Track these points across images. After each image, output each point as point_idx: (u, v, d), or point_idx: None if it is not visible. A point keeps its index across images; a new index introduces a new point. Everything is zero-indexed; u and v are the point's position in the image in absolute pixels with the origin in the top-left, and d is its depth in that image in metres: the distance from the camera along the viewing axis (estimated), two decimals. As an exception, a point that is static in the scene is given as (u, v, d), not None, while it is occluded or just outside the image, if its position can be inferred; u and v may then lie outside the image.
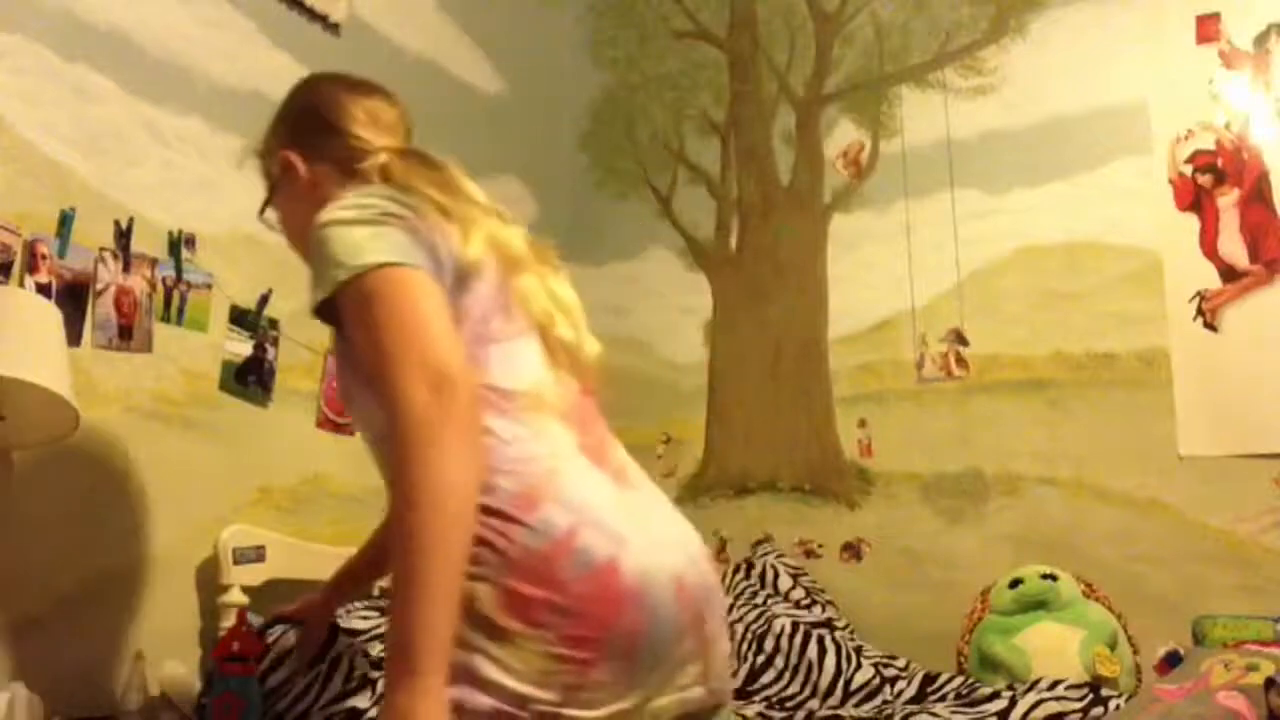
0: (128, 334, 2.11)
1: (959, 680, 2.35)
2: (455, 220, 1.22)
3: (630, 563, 1.10)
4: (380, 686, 1.13)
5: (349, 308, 1.13)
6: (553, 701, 1.05)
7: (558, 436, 1.18)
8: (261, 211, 1.47)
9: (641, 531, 1.15)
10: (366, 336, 1.11)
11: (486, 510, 1.08)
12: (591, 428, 1.26)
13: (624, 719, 1.09)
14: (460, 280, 1.19)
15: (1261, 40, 2.67)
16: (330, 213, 1.18)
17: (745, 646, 2.53)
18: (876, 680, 2.42)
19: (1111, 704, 2.01)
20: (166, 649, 2.01)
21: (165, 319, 2.19)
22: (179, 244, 2.22)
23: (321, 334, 2.50)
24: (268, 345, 2.38)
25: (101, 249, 2.08)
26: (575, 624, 1.06)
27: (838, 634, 2.56)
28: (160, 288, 2.18)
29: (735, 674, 2.48)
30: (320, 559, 2.31)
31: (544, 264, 1.34)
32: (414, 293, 1.12)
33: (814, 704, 2.36)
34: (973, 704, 2.14)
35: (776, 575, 2.85)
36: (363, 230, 1.15)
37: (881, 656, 2.56)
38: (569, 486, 1.13)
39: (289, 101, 1.49)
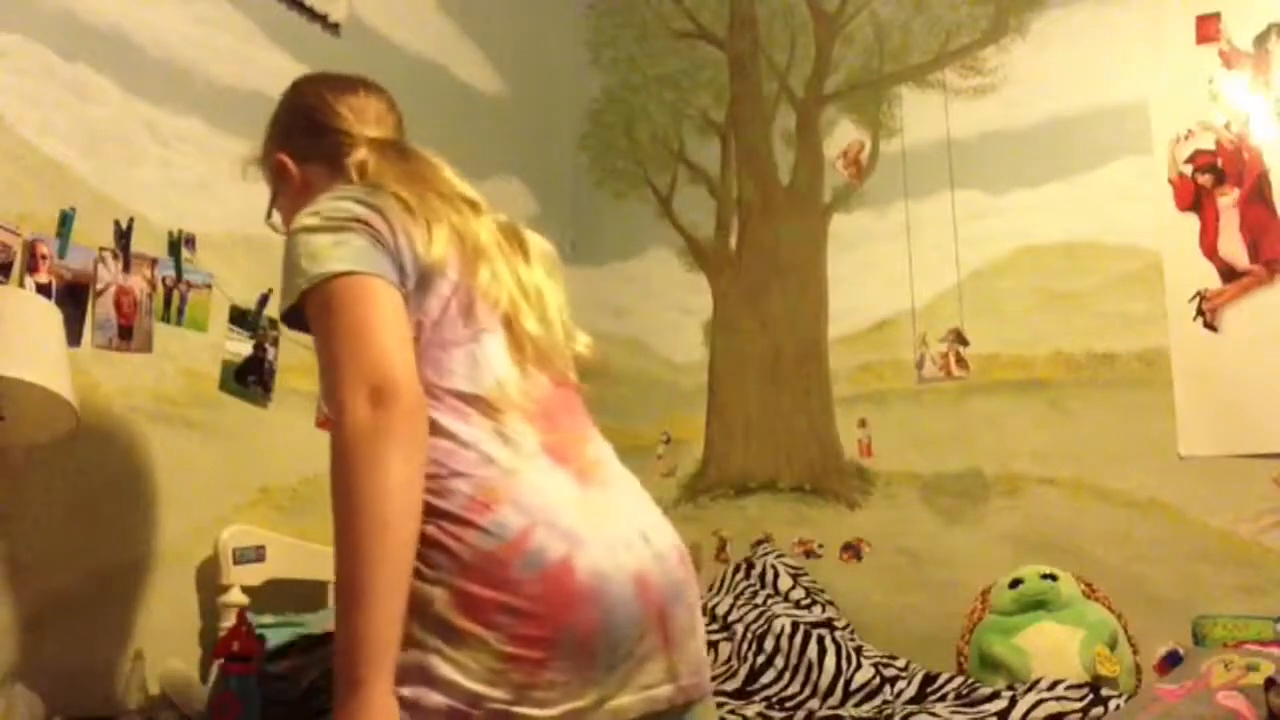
0: (128, 334, 2.11)
1: (959, 680, 2.35)
2: (419, 217, 1.22)
3: (584, 562, 1.11)
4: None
5: (310, 316, 1.16)
6: (505, 700, 1.06)
7: (518, 437, 1.18)
8: (268, 216, 1.49)
9: (601, 530, 1.15)
10: (320, 345, 1.14)
11: (443, 514, 1.10)
12: (560, 423, 1.25)
13: (579, 717, 1.09)
14: (423, 280, 1.20)
15: (1261, 40, 2.67)
16: (299, 219, 1.21)
17: (745, 646, 2.54)
18: (876, 680, 2.42)
19: (1111, 704, 2.01)
20: (166, 649, 2.01)
21: (165, 319, 2.19)
22: (179, 244, 2.22)
23: (321, 334, 2.51)
24: (268, 345, 2.38)
25: (101, 249, 2.08)
26: (526, 623, 1.07)
27: (838, 634, 2.56)
28: (160, 288, 2.18)
29: (734, 673, 2.48)
30: (320, 559, 2.31)
31: (515, 253, 1.33)
32: (367, 302, 1.13)
33: (814, 704, 2.36)
34: (973, 704, 2.14)
35: (776, 575, 2.85)
36: (325, 238, 1.16)
37: (881, 656, 2.56)
38: (525, 487, 1.14)
39: (279, 106, 1.52)
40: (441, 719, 1.05)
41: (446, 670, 1.06)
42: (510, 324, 1.26)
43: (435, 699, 1.05)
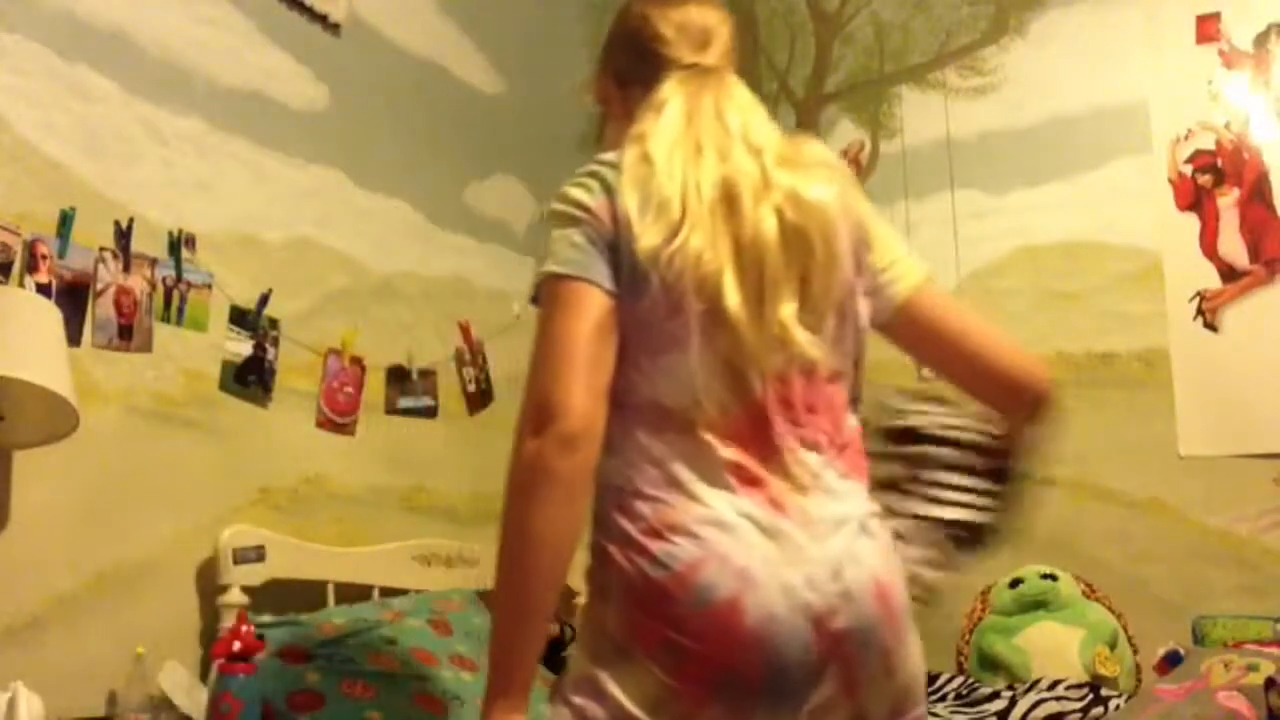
0: (128, 334, 2.11)
1: (959, 680, 2.35)
2: (652, 197, 1.16)
3: (754, 602, 1.06)
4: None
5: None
6: None
7: (708, 457, 1.13)
8: (596, 143, 1.41)
9: (780, 568, 1.08)
10: (535, 340, 1.15)
11: (621, 535, 1.11)
12: (761, 438, 1.15)
13: None
14: (637, 270, 1.14)
15: (1261, 40, 2.67)
16: (558, 193, 1.21)
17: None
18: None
19: (1111, 704, 2.01)
20: (166, 649, 2.01)
21: (165, 319, 2.19)
22: (179, 244, 2.22)
23: (322, 334, 2.50)
24: (268, 345, 2.38)
25: (101, 249, 2.08)
26: (688, 661, 1.06)
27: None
28: (160, 288, 2.18)
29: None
30: (320, 559, 2.31)
31: (763, 200, 1.19)
32: (568, 314, 1.13)
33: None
34: (973, 704, 2.14)
35: None
36: (556, 232, 1.18)
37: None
38: (704, 517, 1.10)
39: (611, 28, 1.43)
40: None
41: (613, 688, 1.07)
42: (714, 310, 1.15)
43: (598, 713, 1.08)
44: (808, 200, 1.21)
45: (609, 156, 1.22)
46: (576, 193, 1.19)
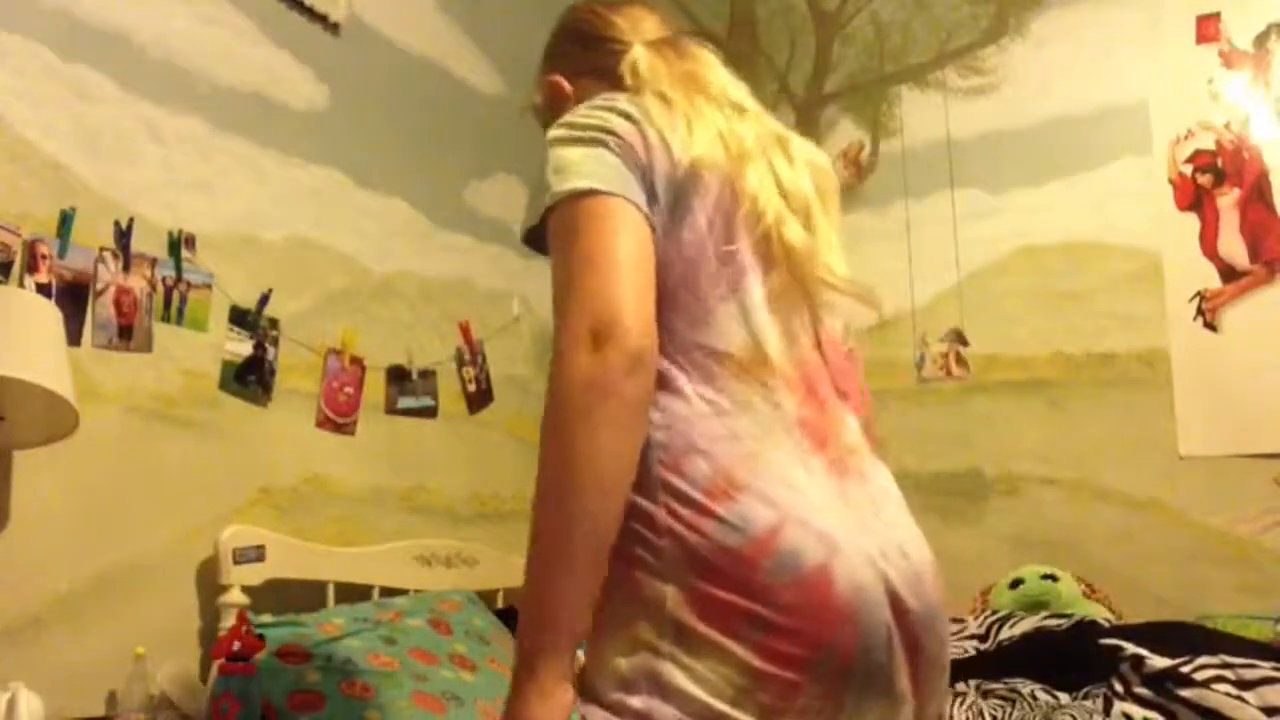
0: (128, 334, 2.11)
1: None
2: (679, 115, 1.07)
3: (844, 570, 0.94)
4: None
5: (550, 237, 1.01)
6: None
7: (773, 410, 1.00)
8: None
9: (857, 535, 0.97)
10: (555, 271, 0.99)
11: (677, 495, 0.95)
12: (821, 394, 1.05)
13: None
14: (679, 200, 1.03)
15: (1261, 40, 2.67)
16: (554, 128, 1.07)
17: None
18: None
19: (1112, 704, 2.01)
20: (166, 649, 2.01)
21: (165, 319, 2.18)
22: (179, 244, 2.22)
23: (321, 334, 2.50)
24: (268, 345, 2.38)
25: (101, 249, 2.08)
26: (779, 638, 0.91)
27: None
28: (160, 287, 2.18)
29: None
30: (320, 559, 2.31)
31: (781, 157, 1.13)
32: (607, 230, 0.97)
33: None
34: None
35: None
36: (574, 151, 1.02)
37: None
38: (775, 474, 0.96)
39: (551, 35, 1.37)
40: None
41: (682, 680, 0.91)
42: (771, 243, 1.06)
43: (668, 712, 0.92)
44: (820, 165, 1.18)
45: (615, 95, 1.10)
46: (591, 119, 1.05)
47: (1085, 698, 1.98)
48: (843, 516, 0.98)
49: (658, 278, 1.00)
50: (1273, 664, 1.87)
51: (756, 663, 0.91)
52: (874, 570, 0.96)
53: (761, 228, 1.05)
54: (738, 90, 1.19)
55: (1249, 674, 1.84)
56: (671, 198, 1.03)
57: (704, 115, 1.09)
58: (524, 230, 1.07)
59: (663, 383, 0.99)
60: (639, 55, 1.18)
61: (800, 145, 1.18)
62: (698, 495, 0.95)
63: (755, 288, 1.04)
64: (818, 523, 0.95)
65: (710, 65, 1.20)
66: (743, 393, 1.00)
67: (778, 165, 1.11)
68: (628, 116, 1.05)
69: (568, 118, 1.07)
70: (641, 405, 0.94)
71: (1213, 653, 1.95)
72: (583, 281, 0.95)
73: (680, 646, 0.92)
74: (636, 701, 0.92)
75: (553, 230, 1.00)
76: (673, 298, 1.01)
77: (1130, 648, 1.92)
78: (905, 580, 0.99)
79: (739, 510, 0.94)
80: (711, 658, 0.92)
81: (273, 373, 2.39)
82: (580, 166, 1.01)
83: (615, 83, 1.17)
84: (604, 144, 1.02)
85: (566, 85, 1.28)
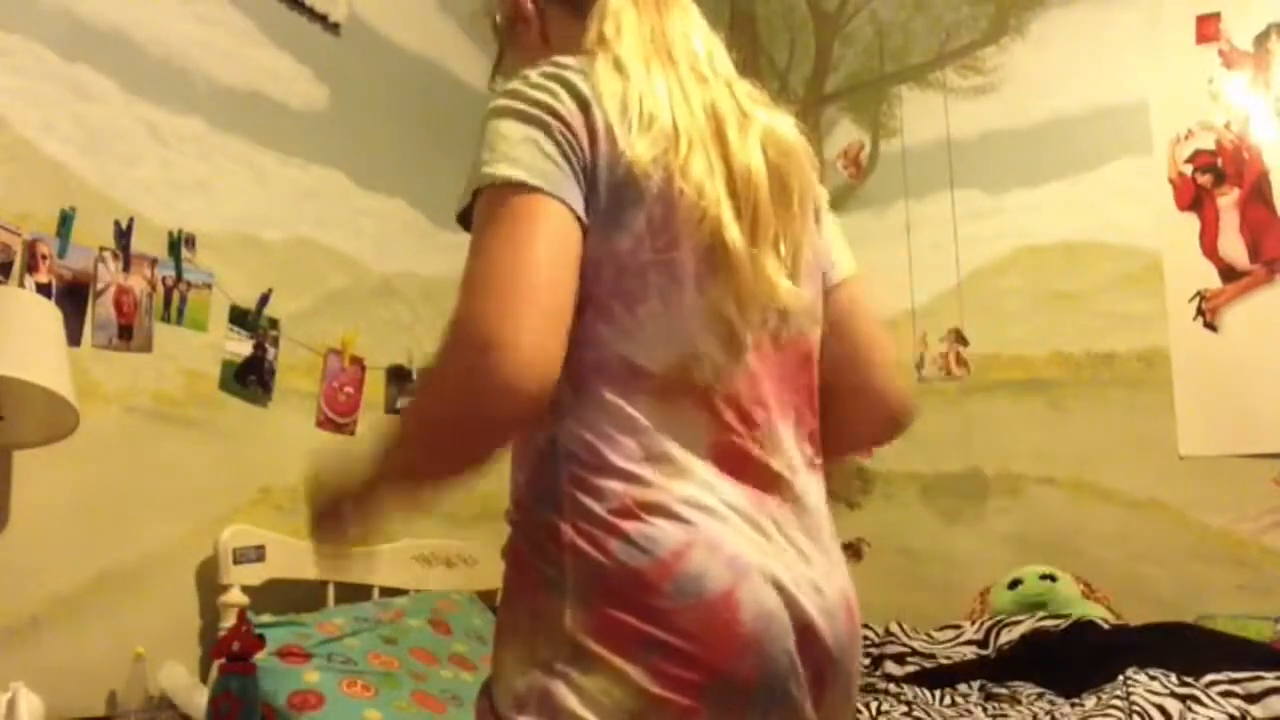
0: (128, 334, 2.11)
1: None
2: (632, 103, 0.97)
3: (749, 596, 0.90)
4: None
5: (474, 216, 0.94)
6: None
7: (692, 432, 0.95)
8: (492, 79, 1.20)
9: (771, 563, 0.94)
10: (468, 258, 0.92)
11: (584, 514, 0.92)
12: (753, 414, 0.99)
13: None
14: (616, 198, 0.95)
15: (1261, 40, 2.67)
16: (498, 96, 0.97)
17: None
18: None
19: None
20: (166, 649, 2.01)
21: (165, 319, 2.19)
22: (179, 244, 2.22)
23: (322, 334, 2.50)
24: (268, 345, 2.38)
25: (101, 249, 2.08)
26: (675, 663, 0.88)
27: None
28: (160, 287, 2.18)
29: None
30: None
31: (738, 131, 1.03)
32: (530, 233, 0.89)
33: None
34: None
35: None
36: (516, 127, 0.93)
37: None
38: (688, 496, 0.93)
39: None
40: None
41: (573, 702, 0.88)
42: (713, 247, 0.97)
43: None
44: (787, 141, 1.07)
45: (568, 60, 0.99)
46: (540, 94, 0.95)
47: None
48: (755, 543, 0.94)
49: (588, 283, 0.93)
50: (1276, 674, 1.87)
51: (652, 688, 0.87)
52: (783, 599, 0.93)
53: (703, 228, 0.96)
54: (706, 50, 1.08)
55: (1255, 686, 1.85)
56: (611, 197, 0.94)
57: (655, 94, 0.99)
58: (459, 211, 0.97)
59: (582, 395, 0.94)
60: (616, 4, 1.06)
61: (766, 123, 1.06)
62: (605, 513, 0.91)
63: (690, 297, 0.96)
64: (729, 548, 0.91)
65: (682, 17, 1.09)
66: (664, 412, 0.95)
67: (732, 148, 1.01)
68: (578, 97, 0.95)
69: (516, 84, 0.97)
70: (499, 428, 0.90)
71: (1213, 654, 1.95)
72: (486, 288, 0.88)
73: (575, 666, 0.89)
74: (524, 719, 0.90)
75: (477, 213, 0.93)
76: (602, 306, 0.95)
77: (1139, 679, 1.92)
78: (819, 611, 0.96)
79: (646, 531, 0.90)
80: (605, 679, 0.88)
81: (273, 373, 2.39)
82: (514, 149, 0.92)
83: (582, 19, 1.06)
84: (547, 127, 0.93)
85: (529, 5, 1.13)
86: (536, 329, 0.87)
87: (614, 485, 0.92)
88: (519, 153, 0.92)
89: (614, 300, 0.95)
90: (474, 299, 0.88)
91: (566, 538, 0.92)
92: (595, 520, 0.91)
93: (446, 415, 0.90)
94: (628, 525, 0.90)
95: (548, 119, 0.93)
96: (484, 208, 0.92)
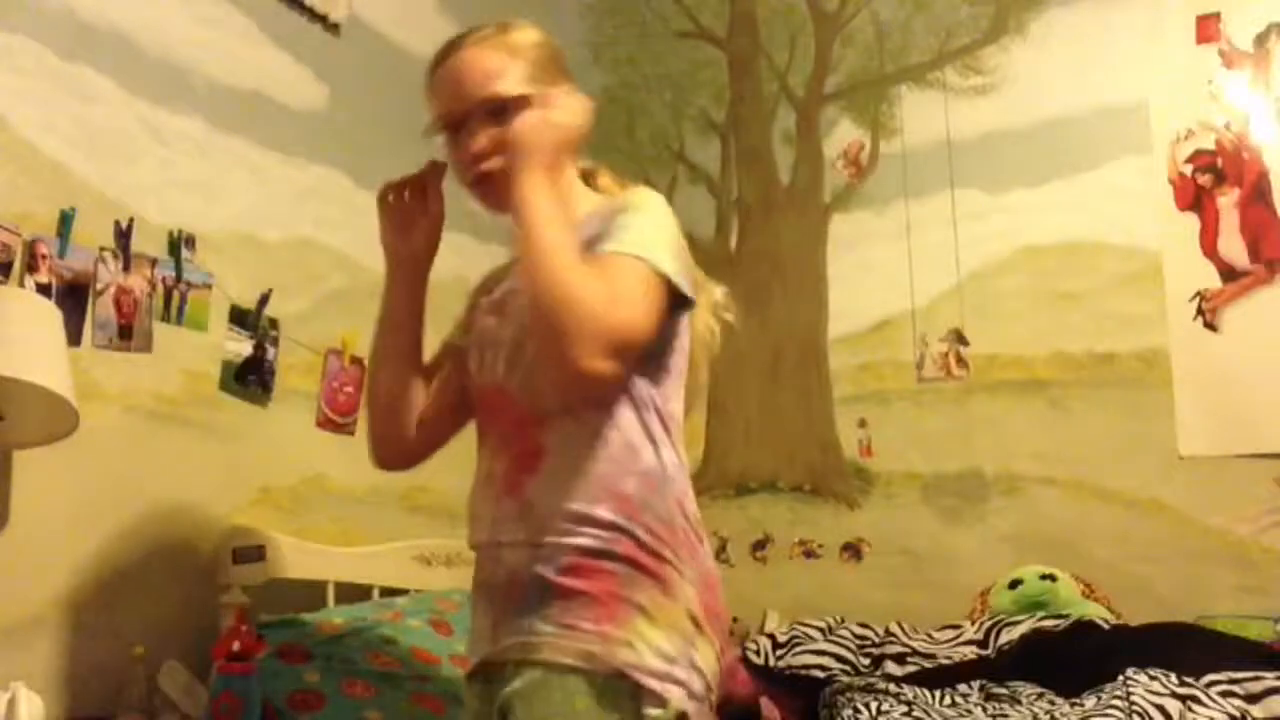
0: (128, 334, 2.11)
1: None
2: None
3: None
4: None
5: (628, 262, 1.28)
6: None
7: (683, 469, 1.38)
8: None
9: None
10: (625, 276, 1.26)
11: (695, 529, 1.32)
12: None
13: None
14: (681, 326, 1.41)
15: (1261, 40, 2.67)
16: (654, 206, 1.40)
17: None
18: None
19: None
20: (166, 649, 2.01)
21: (165, 319, 2.18)
22: (179, 244, 2.22)
23: (322, 334, 2.50)
24: (268, 345, 2.38)
25: (101, 249, 2.08)
26: (722, 638, 1.33)
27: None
28: (160, 287, 2.18)
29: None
30: (320, 559, 2.31)
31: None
32: (653, 309, 1.28)
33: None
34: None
35: None
36: (677, 238, 1.37)
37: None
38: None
39: (533, 37, 1.70)
40: (697, 703, 1.24)
41: (700, 662, 1.26)
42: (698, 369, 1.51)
43: (697, 686, 1.24)
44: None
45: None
46: (674, 224, 1.41)
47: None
48: None
49: (680, 359, 1.39)
50: (1276, 674, 1.87)
51: (721, 653, 1.30)
52: None
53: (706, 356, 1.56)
54: None
55: (1255, 686, 1.85)
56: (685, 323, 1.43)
57: None
58: (606, 247, 1.32)
59: (671, 434, 1.34)
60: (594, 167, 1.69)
61: None
62: (698, 529, 1.33)
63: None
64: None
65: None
66: (681, 455, 1.37)
67: None
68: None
69: (663, 212, 1.38)
70: (577, 352, 1.20)
71: (1213, 654, 1.95)
72: (632, 301, 1.24)
73: (697, 636, 1.26)
74: (680, 673, 1.22)
75: (631, 266, 1.27)
76: (677, 373, 1.37)
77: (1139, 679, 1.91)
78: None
79: (707, 547, 1.35)
80: (709, 646, 1.28)
81: (273, 373, 2.39)
82: (678, 254, 1.35)
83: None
84: (685, 251, 1.38)
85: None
86: (627, 355, 1.24)
87: (693, 508, 1.34)
88: (682, 263, 1.36)
89: (681, 379, 1.40)
90: (623, 306, 1.23)
91: (693, 545, 1.31)
92: (700, 536, 1.33)
93: (573, 303, 1.19)
94: (704, 540, 1.34)
95: (685, 256, 1.39)
96: (642, 273, 1.27)
